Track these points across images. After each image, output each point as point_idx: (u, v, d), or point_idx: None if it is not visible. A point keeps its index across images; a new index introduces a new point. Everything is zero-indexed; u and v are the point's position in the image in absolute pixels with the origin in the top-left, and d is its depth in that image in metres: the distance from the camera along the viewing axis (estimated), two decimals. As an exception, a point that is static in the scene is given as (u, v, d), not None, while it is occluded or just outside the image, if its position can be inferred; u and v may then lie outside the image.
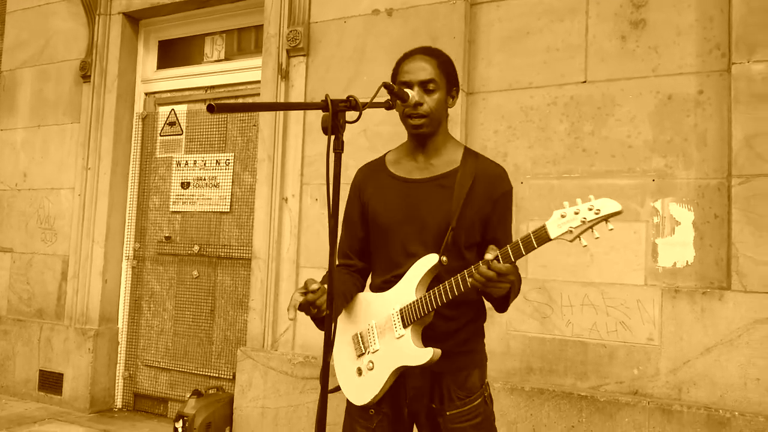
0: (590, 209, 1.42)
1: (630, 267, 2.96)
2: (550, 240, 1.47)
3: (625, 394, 2.89)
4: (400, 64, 1.79)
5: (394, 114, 1.84)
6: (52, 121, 4.90)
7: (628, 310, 2.94)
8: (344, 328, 1.82)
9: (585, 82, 3.16)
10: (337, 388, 1.79)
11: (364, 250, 1.89)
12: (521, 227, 3.19)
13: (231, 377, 4.09)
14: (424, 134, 1.76)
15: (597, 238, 1.44)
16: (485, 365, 1.80)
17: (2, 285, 5.02)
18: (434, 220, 1.70)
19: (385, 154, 1.91)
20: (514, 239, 1.78)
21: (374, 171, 1.88)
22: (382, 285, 1.76)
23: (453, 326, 1.71)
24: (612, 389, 2.94)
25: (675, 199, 2.93)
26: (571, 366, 3.03)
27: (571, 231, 1.44)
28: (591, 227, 1.43)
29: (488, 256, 1.50)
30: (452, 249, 1.68)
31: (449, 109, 1.83)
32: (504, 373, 3.15)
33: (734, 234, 2.75)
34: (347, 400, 1.80)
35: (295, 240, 3.78)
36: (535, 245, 1.48)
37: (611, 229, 1.42)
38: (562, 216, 1.45)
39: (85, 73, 4.68)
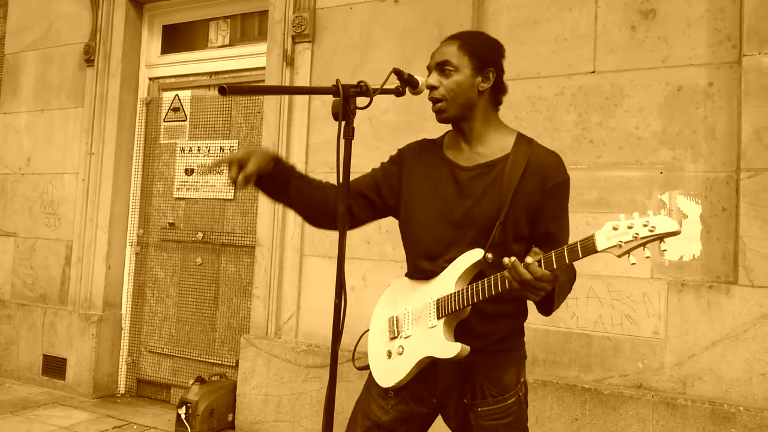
0: (645, 225, 1.32)
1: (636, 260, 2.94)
2: (597, 252, 1.37)
3: (630, 388, 2.89)
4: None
5: (400, 102, 1.83)
6: (55, 105, 4.88)
7: (633, 304, 2.93)
8: (383, 309, 1.80)
9: (593, 72, 3.12)
10: (367, 367, 1.79)
11: (362, 209, 1.80)
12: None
13: (234, 364, 4.10)
14: (447, 119, 1.70)
15: (648, 257, 1.34)
16: (523, 364, 1.74)
17: (6, 269, 5.02)
18: (481, 212, 1.63)
19: (445, 134, 1.83)
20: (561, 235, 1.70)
21: (428, 147, 1.80)
22: (425, 274, 1.71)
23: (491, 325, 1.66)
24: (616, 382, 2.93)
25: (683, 192, 2.91)
26: (575, 358, 3.03)
27: (620, 245, 1.34)
28: (643, 245, 1.33)
29: (529, 259, 1.43)
30: (498, 244, 1.60)
31: (502, 95, 1.76)
32: (507, 364, 3.14)
33: (742, 228, 2.73)
34: (368, 376, 1.79)
35: (299, 228, 3.77)
36: (581, 255, 1.38)
37: (664, 251, 1.33)
38: (614, 228, 1.35)
39: (88, 57, 4.65)
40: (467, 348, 1.56)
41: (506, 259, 1.45)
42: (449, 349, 1.58)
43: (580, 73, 3.15)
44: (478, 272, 1.61)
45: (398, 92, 1.64)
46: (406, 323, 1.69)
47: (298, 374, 3.63)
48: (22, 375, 4.77)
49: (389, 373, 1.70)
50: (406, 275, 1.81)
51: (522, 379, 1.72)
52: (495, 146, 1.69)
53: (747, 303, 2.70)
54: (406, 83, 1.63)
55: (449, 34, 1.77)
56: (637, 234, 1.32)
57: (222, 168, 1.56)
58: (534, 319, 3.12)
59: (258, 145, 4.11)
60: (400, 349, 1.68)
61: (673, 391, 2.82)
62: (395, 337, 1.71)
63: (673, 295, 2.86)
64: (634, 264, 1.36)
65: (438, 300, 1.62)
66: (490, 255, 1.57)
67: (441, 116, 1.69)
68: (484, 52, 1.71)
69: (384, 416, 1.72)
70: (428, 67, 1.71)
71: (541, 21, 3.25)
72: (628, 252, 1.34)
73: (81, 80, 4.74)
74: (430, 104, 1.76)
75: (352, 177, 1.42)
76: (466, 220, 1.65)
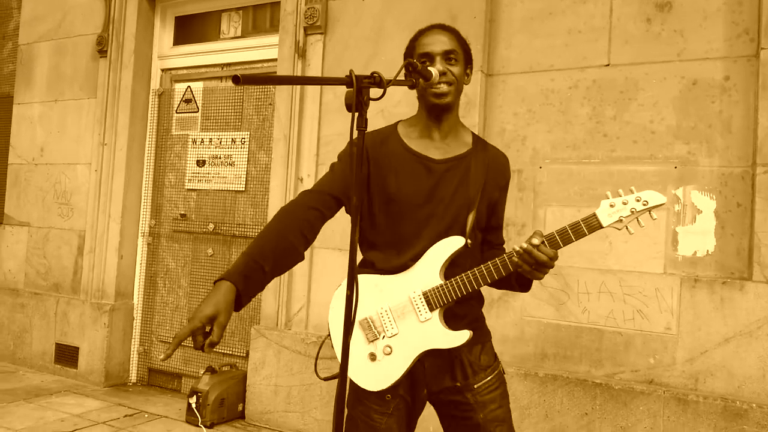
0: (638, 200, 1.55)
1: (649, 255, 2.93)
2: (602, 228, 1.56)
3: (641, 383, 2.88)
4: (416, 39, 1.76)
5: (412, 95, 1.80)
6: (69, 96, 4.91)
7: (645, 299, 2.91)
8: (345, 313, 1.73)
9: (608, 65, 3.09)
10: (335, 376, 1.69)
11: (331, 210, 1.73)
12: (539, 212, 3.15)
13: (244, 355, 4.12)
14: (447, 105, 1.71)
15: (643, 227, 1.57)
16: (491, 340, 1.84)
17: (19, 259, 5.07)
18: (454, 203, 1.69)
19: (396, 124, 1.81)
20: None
21: (387, 139, 1.77)
22: (396, 268, 1.69)
23: (467, 306, 1.73)
24: (627, 377, 2.92)
25: (697, 187, 2.88)
26: (586, 353, 3.02)
27: (621, 220, 1.56)
28: (637, 217, 1.56)
29: (535, 240, 1.54)
30: (472, 233, 1.69)
31: (464, 88, 1.82)
32: (518, 359, 3.14)
33: (757, 223, 2.70)
34: (355, 391, 1.75)
35: (310, 220, 3.77)
36: (587, 232, 1.56)
37: (655, 219, 1.57)
38: (611, 206, 1.57)
39: (101, 48, 4.67)
40: (471, 332, 1.63)
41: (517, 246, 1.57)
42: (455, 338, 1.62)
43: (594, 66, 3.12)
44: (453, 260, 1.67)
45: (412, 84, 1.63)
46: (386, 322, 1.66)
47: (308, 365, 3.64)
48: (35, 363, 4.82)
49: (379, 375, 1.66)
50: (362, 272, 1.72)
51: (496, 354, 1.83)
52: (460, 140, 1.78)
53: (761, 299, 2.68)
54: (420, 75, 1.62)
55: (434, 24, 1.79)
56: (634, 209, 1.56)
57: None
58: (544, 313, 3.13)
59: (270, 137, 4.11)
60: (388, 349, 1.65)
61: (684, 387, 2.81)
62: (376, 338, 1.67)
63: (686, 291, 2.83)
64: (632, 234, 1.57)
65: (425, 293, 1.64)
66: (470, 241, 1.67)
67: (444, 100, 1.69)
68: (468, 49, 1.79)
69: (388, 420, 1.71)
70: (428, 54, 1.68)
71: (555, 13, 3.22)
72: (626, 225, 1.57)
73: (94, 71, 4.76)
74: None
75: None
76: (443, 211, 1.68)
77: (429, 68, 1.65)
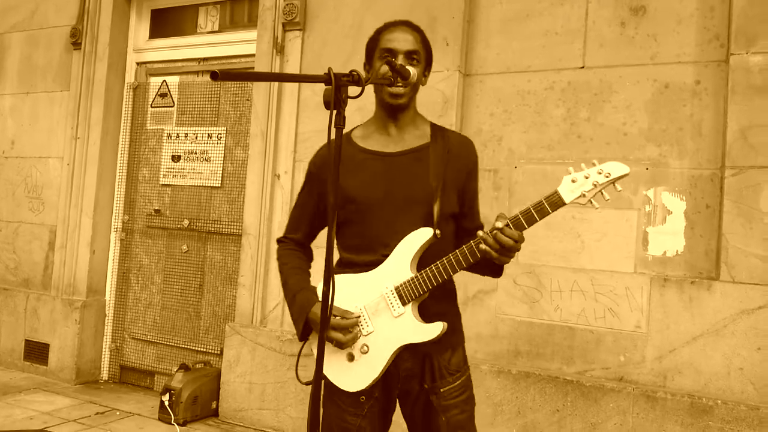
0: (600, 173, 1.49)
1: (620, 254, 2.98)
2: (565, 204, 1.50)
3: (611, 380, 2.93)
4: (381, 32, 1.76)
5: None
6: (41, 88, 4.82)
7: (616, 297, 2.96)
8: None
9: (583, 67, 3.14)
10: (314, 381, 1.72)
11: (314, 231, 1.93)
12: (514, 211, 3.18)
13: (219, 352, 4.10)
14: (402, 105, 1.73)
15: (608, 200, 1.50)
16: (464, 344, 1.83)
17: (-12, 253, 4.97)
18: (417, 195, 1.68)
19: (350, 131, 1.83)
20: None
21: (342, 147, 1.76)
22: (367, 265, 1.70)
23: (440, 307, 1.71)
24: (598, 375, 2.97)
25: (668, 188, 2.94)
26: (558, 350, 3.06)
27: (584, 195, 1.50)
28: (601, 190, 1.49)
29: (499, 224, 1.52)
30: (440, 221, 1.67)
31: (423, 87, 1.82)
32: (491, 356, 3.17)
33: (725, 225, 2.77)
34: (328, 390, 1.74)
35: (287, 217, 3.75)
36: (549, 211, 1.51)
37: (619, 190, 1.50)
38: (573, 181, 1.50)
39: (75, 41, 4.59)
40: (446, 324, 1.60)
41: (481, 232, 1.54)
42: (430, 330, 1.59)
43: (569, 68, 3.16)
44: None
45: (390, 82, 1.64)
46: (363, 320, 1.66)
47: (283, 363, 3.64)
48: (4, 360, 4.73)
49: (358, 375, 1.65)
50: (339, 272, 1.74)
51: (466, 358, 1.82)
52: (417, 133, 1.78)
53: (728, 299, 2.75)
54: (398, 73, 1.63)
55: (401, 20, 1.80)
56: (596, 182, 1.49)
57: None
58: (518, 311, 3.17)
59: (247, 133, 4.09)
60: (365, 348, 1.65)
61: (653, 384, 2.87)
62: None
63: (656, 290, 2.90)
64: (598, 208, 1.52)
65: (397, 287, 1.62)
66: (439, 231, 1.63)
67: (399, 101, 1.71)
68: (430, 51, 1.80)
69: (361, 422, 1.71)
70: (392, 50, 1.70)
71: (533, 15, 3.26)
72: (590, 200, 1.51)
73: (67, 63, 4.68)
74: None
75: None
76: (406, 203, 1.68)
77: (407, 67, 1.65)
